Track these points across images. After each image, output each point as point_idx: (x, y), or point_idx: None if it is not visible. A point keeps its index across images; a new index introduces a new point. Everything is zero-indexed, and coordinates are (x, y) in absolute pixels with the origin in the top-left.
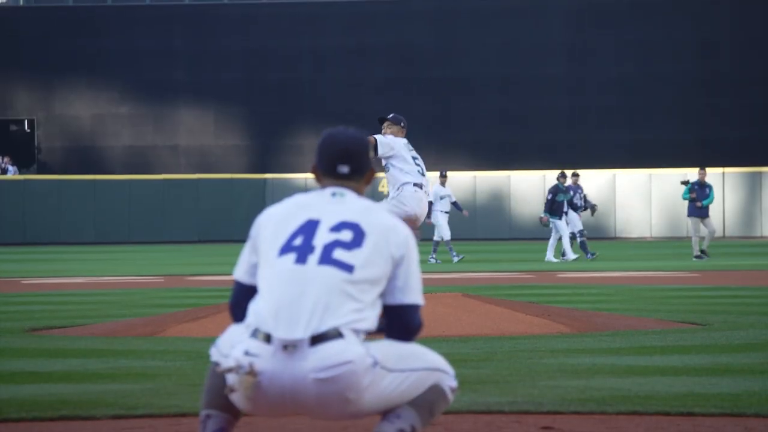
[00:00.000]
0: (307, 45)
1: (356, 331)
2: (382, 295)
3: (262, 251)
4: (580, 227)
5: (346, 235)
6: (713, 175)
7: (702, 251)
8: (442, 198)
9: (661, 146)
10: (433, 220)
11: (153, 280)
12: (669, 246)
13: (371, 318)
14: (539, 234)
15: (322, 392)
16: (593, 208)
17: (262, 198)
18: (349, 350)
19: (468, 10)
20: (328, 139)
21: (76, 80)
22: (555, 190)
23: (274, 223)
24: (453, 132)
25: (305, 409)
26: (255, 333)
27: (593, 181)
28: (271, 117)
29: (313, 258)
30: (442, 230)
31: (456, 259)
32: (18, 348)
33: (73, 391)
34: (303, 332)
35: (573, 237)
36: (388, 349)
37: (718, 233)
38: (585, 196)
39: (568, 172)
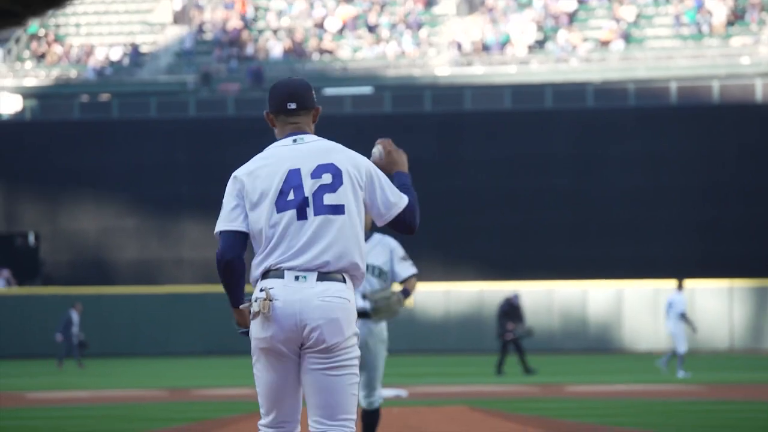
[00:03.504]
0: None
1: (352, 278)
2: (376, 216)
3: (254, 204)
4: None
5: (327, 178)
6: (721, 287)
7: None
8: (678, 305)
9: (668, 259)
10: (673, 329)
11: (158, 393)
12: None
13: (362, 251)
14: (546, 346)
15: (323, 312)
16: None
17: None
18: (347, 294)
19: (473, 123)
20: (277, 85)
21: (82, 194)
22: None
23: (260, 178)
24: (458, 244)
25: (311, 326)
26: (265, 273)
27: (600, 294)
28: None
29: (311, 210)
30: (681, 342)
31: (681, 374)
32: None
33: None
34: (312, 264)
35: None
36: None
37: (726, 346)
38: None
39: None
